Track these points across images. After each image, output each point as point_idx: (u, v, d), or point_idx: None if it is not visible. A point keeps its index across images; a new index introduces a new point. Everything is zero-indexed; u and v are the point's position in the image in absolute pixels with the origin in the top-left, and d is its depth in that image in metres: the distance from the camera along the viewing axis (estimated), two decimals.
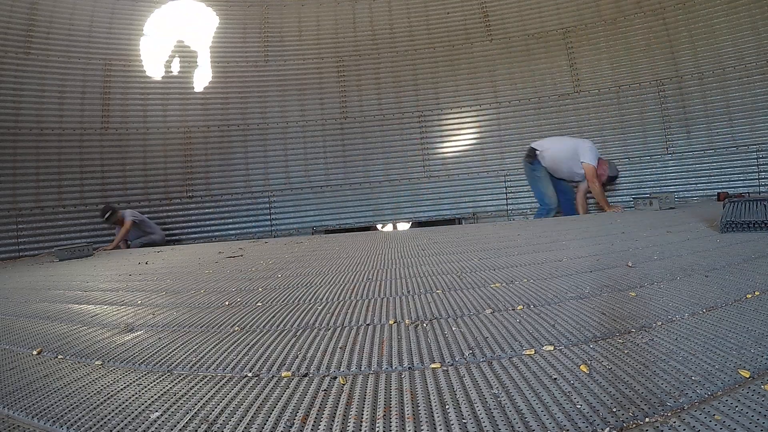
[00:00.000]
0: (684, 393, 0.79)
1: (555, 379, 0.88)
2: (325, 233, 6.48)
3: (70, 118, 5.93)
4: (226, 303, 1.80)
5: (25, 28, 5.69)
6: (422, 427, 0.75)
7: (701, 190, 5.83)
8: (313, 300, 1.73)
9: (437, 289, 1.72)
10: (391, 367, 1.02)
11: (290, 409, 0.86)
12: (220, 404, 0.90)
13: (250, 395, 0.93)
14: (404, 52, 6.87)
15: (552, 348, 1.05)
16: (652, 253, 2.08)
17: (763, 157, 5.57)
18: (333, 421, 0.80)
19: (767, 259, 1.77)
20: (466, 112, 6.73)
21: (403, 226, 7.01)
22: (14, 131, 5.57)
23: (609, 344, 1.04)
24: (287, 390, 0.94)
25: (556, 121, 6.45)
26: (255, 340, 1.29)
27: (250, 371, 1.06)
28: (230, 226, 6.51)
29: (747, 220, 2.43)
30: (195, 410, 0.88)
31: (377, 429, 0.76)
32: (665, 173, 6.03)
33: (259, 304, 1.74)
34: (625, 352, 0.99)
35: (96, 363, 1.21)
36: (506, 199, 6.48)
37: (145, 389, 1.00)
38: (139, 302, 1.98)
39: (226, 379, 1.03)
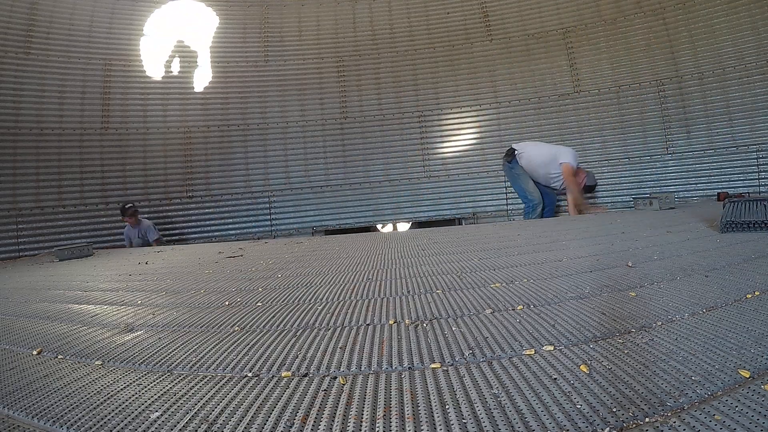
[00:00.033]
0: (684, 393, 0.79)
1: (555, 379, 0.88)
2: (325, 233, 6.48)
3: (70, 118, 5.94)
4: (226, 303, 1.80)
5: (25, 28, 5.69)
6: (422, 427, 0.75)
7: (701, 190, 5.83)
8: (313, 300, 1.73)
9: (437, 289, 1.72)
10: (391, 367, 1.02)
11: (290, 409, 0.86)
12: (220, 404, 0.90)
13: (250, 395, 0.93)
14: (404, 52, 6.87)
15: (552, 348, 1.04)
16: (652, 253, 2.08)
17: (763, 157, 5.57)
18: (333, 421, 0.80)
19: (767, 259, 1.77)
20: (466, 112, 6.73)
21: (403, 226, 7.01)
22: (14, 131, 5.57)
23: (609, 344, 1.04)
24: (287, 390, 0.94)
25: (556, 121, 6.45)
26: (255, 340, 1.29)
27: (250, 371, 1.06)
28: (230, 226, 6.51)
29: (747, 220, 2.43)
30: (195, 410, 0.88)
31: (377, 429, 0.76)
32: (665, 173, 6.03)
33: (259, 304, 1.74)
34: (625, 352, 0.99)
35: (96, 363, 1.21)
36: (506, 199, 6.48)
37: (145, 389, 1.00)
38: (139, 302, 1.98)
39: (226, 379, 1.03)
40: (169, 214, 6.34)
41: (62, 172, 5.84)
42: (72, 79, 5.96)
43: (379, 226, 6.93)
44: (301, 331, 1.35)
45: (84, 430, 0.85)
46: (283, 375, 1.02)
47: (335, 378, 0.98)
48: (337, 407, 0.85)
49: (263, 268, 2.69)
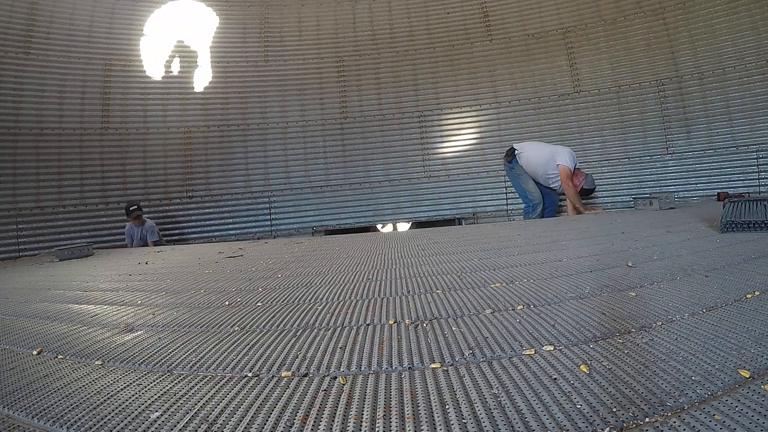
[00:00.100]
0: (684, 393, 0.79)
1: (555, 379, 0.88)
2: (325, 233, 6.48)
3: (70, 118, 5.94)
4: (226, 303, 1.80)
5: (25, 28, 5.69)
6: (422, 427, 0.75)
7: (701, 190, 5.83)
8: (313, 300, 1.73)
9: (437, 289, 1.72)
10: (391, 367, 1.02)
11: (290, 409, 0.86)
12: (220, 404, 0.90)
13: (250, 395, 0.93)
14: (404, 52, 6.87)
15: (552, 348, 1.04)
16: (652, 253, 2.08)
17: (763, 157, 5.57)
18: (333, 421, 0.80)
19: (767, 259, 1.77)
20: (466, 112, 6.73)
21: (403, 226, 7.01)
22: (14, 131, 5.57)
23: (609, 344, 1.04)
24: (287, 390, 0.94)
25: (556, 121, 6.45)
26: (255, 340, 1.29)
27: (250, 371, 1.06)
28: (230, 226, 6.51)
29: (747, 220, 2.43)
30: (195, 410, 0.88)
31: (377, 429, 0.76)
32: (665, 173, 6.03)
33: (259, 304, 1.74)
34: (625, 352, 0.99)
35: (96, 363, 1.21)
36: (506, 199, 6.48)
37: (145, 389, 1.00)
38: (139, 302, 1.98)
39: (226, 379, 1.03)
40: (169, 214, 6.35)
41: (62, 172, 5.84)
42: (72, 79, 5.96)
43: (379, 226, 6.93)
44: (301, 331, 1.35)
45: (84, 430, 0.84)
46: (283, 375, 1.02)
47: (335, 378, 0.98)
48: (337, 407, 0.85)
49: (263, 268, 2.69)
